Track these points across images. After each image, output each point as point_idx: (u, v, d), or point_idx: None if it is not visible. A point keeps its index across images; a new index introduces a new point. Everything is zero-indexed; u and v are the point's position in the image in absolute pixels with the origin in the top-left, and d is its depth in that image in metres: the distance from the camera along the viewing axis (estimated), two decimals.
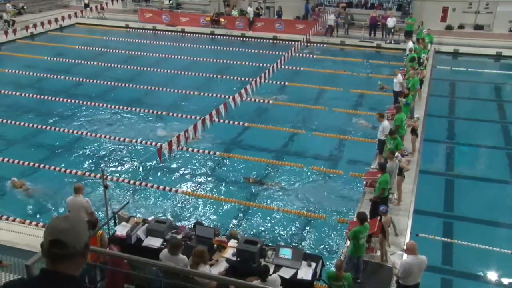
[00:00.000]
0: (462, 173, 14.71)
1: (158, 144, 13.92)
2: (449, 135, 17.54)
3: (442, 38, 26.75)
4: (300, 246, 10.92)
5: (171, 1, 33.76)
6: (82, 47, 26.72)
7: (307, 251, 9.70)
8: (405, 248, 8.85)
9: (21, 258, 9.53)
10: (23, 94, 19.93)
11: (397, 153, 11.88)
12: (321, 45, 27.15)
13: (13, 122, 17.20)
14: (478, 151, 16.21)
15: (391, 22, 26.75)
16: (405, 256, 8.80)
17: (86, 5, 31.86)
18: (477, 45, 26.08)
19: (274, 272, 8.15)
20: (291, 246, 9.88)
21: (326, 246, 11.22)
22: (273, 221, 12.11)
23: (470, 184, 14.24)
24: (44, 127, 16.94)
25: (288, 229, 11.88)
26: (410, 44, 21.57)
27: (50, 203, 12.76)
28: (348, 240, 9.74)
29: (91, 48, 26.60)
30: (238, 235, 9.90)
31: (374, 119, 14.84)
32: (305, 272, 8.31)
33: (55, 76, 22.10)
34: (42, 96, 19.77)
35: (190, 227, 9.82)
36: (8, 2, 29.84)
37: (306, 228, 12.01)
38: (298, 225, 12.10)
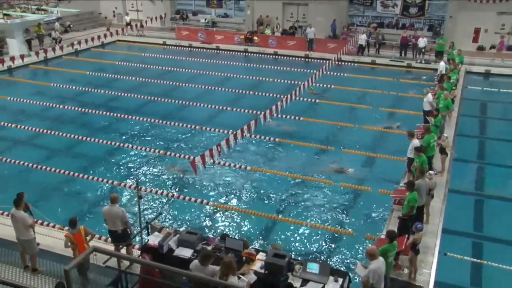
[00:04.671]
0: (492, 193, 14.28)
1: (192, 157, 14.09)
2: (479, 155, 17.11)
3: (473, 59, 26.27)
4: (327, 261, 10.79)
5: (206, 20, 34.33)
6: (122, 63, 27.40)
7: (334, 267, 9.57)
8: (366, 254, 8.62)
9: (60, 263, 9.79)
10: (66, 107, 20.55)
11: (431, 172, 11.73)
12: (352, 63, 27.05)
13: (56, 132, 17.74)
14: (509, 172, 15.72)
15: (422, 42, 26.49)
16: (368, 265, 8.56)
17: (128, 24, 32.71)
18: (509, 66, 25.50)
19: (302, 286, 8.08)
20: (318, 261, 9.77)
21: (354, 262, 11.04)
22: (301, 236, 12.03)
23: (501, 204, 13.80)
24: (84, 138, 17.37)
25: (316, 244, 11.77)
26: (442, 64, 21.27)
27: (88, 211, 13.03)
28: None
29: (130, 64, 27.22)
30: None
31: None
32: None
33: (96, 90, 22.71)
34: (83, 109, 20.32)
35: (219, 239, 9.84)
36: (57, 21, 30.99)
37: (334, 243, 11.88)
38: (326, 240, 11.98)
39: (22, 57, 25.39)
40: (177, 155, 16.07)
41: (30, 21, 27.48)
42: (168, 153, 16.19)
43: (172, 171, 15.27)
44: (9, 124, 18.55)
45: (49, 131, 17.89)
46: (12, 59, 24.96)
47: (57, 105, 20.70)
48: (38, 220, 11.37)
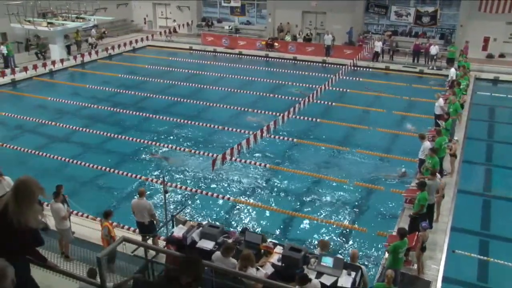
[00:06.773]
0: (499, 194, 13.94)
1: (214, 155, 14.11)
2: (487, 157, 16.74)
3: (483, 66, 25.73)
4: (341, 255, 10.68)
5: (230, 27, 34.36)
6: (151, 66, 27.54)
7: (347, 261, 9.46)
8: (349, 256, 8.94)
9: (92, 251, 9.89)
10: (99, 107, 20.80)
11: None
12: (367, 69, 26.77)
13: (90, 130, 17.98)
14: None
15: (434, 49, 26.07)
16: None
17: (174, 29, 32.59)
18: None
19: (316, 278, 8.01)
20: (332, 255, 9.66)
21: (366, 257, 10.91)
22: (316, 231, 11.92)
23: (507, 205, 13.46)
24: (115, 135, 17.56)
25: (330, 239, 11.64)
26: (452, 71, 20.89)
27: (117, 204, 13.14)
28: (387, 253, 9.45)
29: (158, 67, 27.35)
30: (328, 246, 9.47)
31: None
32: (345, 280, 8.11)
33: (127, 91, 22.91)
34: (115, 109, 20.53)
35: (239, 232, 9.82)
36: (93, 28, 31.49)
37: (347, 239, 11.75)
38: (340, 235, 11.86)
39: (62, 61, 25.92)
40: (201, 152, 16.10)
41: (70, 28, 28.06)
42: (193, 151, 16.22)
43: (155, 158, 15.74)
44: (49, 122, 18.87)
45: (84, 129, 18.13)
46: (53, 62, 25.56)
47: (92, 105, 20.95)
48: (74, 211, 11.52)
